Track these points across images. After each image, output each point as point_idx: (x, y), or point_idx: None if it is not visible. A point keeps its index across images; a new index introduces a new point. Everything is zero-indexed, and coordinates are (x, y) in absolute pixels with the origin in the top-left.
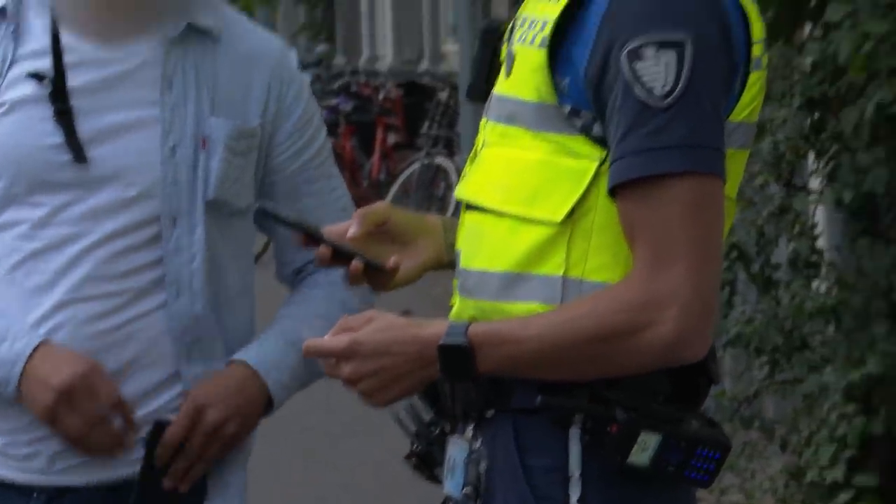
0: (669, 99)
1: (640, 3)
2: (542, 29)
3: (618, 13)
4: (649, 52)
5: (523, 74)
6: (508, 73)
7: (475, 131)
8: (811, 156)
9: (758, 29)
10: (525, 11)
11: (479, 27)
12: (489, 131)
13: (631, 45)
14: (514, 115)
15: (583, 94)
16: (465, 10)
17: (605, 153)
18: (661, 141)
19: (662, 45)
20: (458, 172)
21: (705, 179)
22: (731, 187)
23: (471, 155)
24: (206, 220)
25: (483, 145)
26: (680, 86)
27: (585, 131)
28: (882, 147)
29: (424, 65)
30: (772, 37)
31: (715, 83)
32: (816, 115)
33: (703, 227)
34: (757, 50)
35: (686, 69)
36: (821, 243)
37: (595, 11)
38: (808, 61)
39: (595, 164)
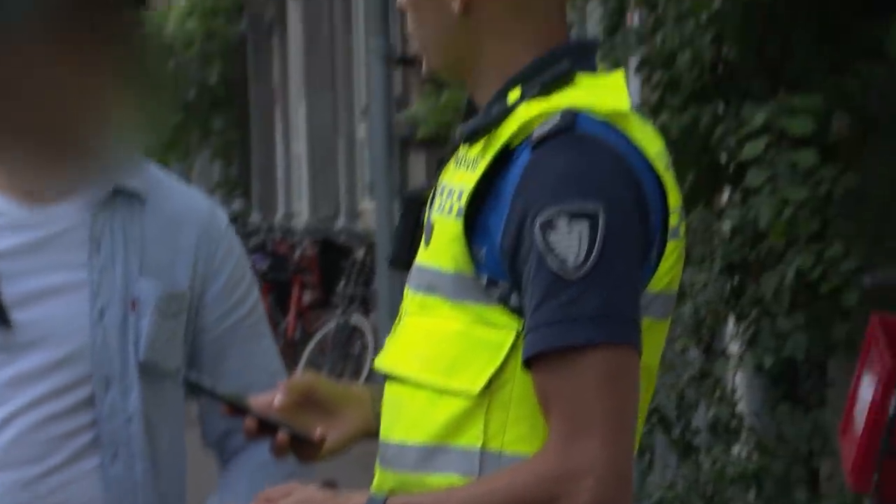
0: (582, 270)
1: (552, 174)
2: (459, 198)
3: (530, 183)
4: (562, 222)
5: (441, 244)
6: (427, 243)
7: (392, 290)
8: (731, 320)
9: (674, 198)
10: (444, 179)
11: (395, 187)
12: (409, 301)
13: (543, 216)
14: (434, 285)
15: (499, 264)
16: (382, 170)
17: (521, 324)
18: (574, 312)
19: (574, 216)
20: (374, 332)
21: (619, 350)
22: (652, 356)
23: (393, 325)
24: (140, 383)
25: (404, 314)
26: (593, 256)
27: (503, 301)
28: (802, 312)
29: (341, 223)
30: (691, 201)
31: (629, 253)
32: (737, 279)
33: (618, 398)
34: (674, 219)
35: (599, 240)
36: (741, 408)
37: (510, 181)
38: (727, 226)
39: (512, 335)
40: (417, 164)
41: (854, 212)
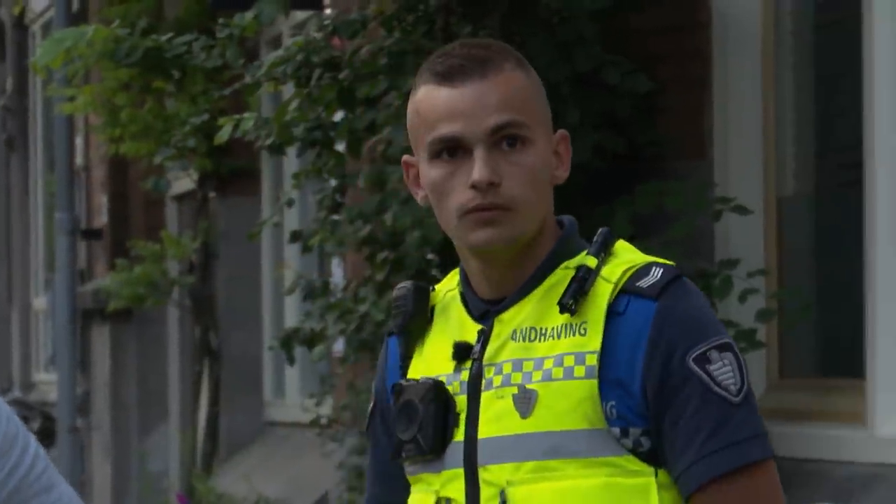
0: (741, 395)
1: (688, 316)
2: (580, 361)
3: (668, 327)
4: (714, 355)
5: (565, 407)
6: (527, 413)
7: (73, 459)
8: None
9: None
10: (503, 356)
11: (77, 359)
12: (514, 471)
13: (695, 352)
14: (559, 447)
15: (634, 410)
16: (65, 342)
17: (653, 468)
18: (746, 433)
19: (721, 348)
20: None
21: (774, 463)
22: None
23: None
24: None
25: (507, 485)
26: (745, 381)
27: (634, 450)
28: None
29: (14, 393)
30: None
31: None
32: None
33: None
34: None
35: (743, 366)
36: None
37: (628, 333)
38: None
39: (652, 479)
40: (101, 338)
41: None
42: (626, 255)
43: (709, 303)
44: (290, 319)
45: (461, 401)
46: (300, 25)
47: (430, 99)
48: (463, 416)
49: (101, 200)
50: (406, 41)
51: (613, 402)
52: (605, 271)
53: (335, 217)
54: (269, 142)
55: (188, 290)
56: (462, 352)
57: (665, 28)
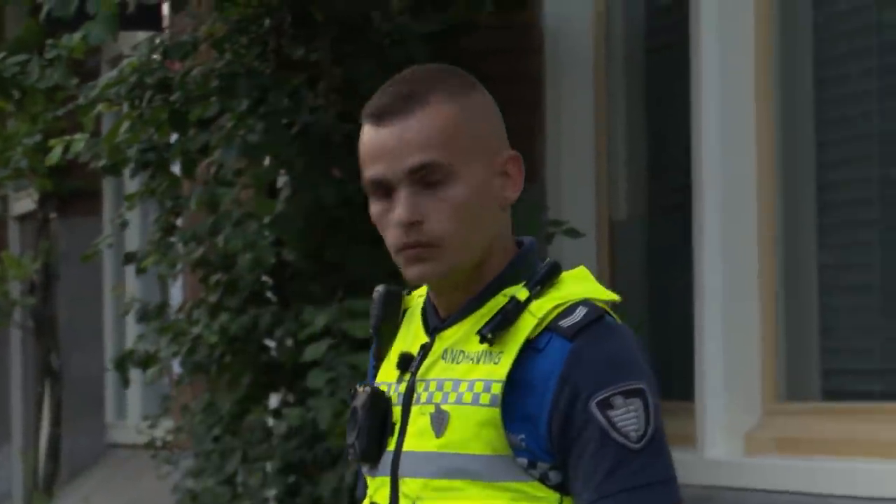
0: (644, 441)
1: (599, 360)
2: (486, 389)
3: (577, 370)
4: (618, 401)
5: (468, 431)
6: (440, 433)
7: None
8: None
9: None
10: (431, 374)
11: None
12: (417, 486)
13: (599, 397)
14: (461, 468)
15: (541, 446)
16: None
17: (559, 496)
18: (648, 478)
19: (629, 394)
20: None
21: None
22: None
23: None
24: None
25: (417, 499)
26: (651, 428)
27: (542, 479)
28: None
29: None
30: (250, 400)
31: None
32: (293, 479)
33: None
34: None
35: (652, 413)
36: None
37: (543, 369)
38: (283, 427)
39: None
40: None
41: None
42: (567, 289)
43: (634, 344)
44: (132, 341)
45: (397, 412)
46: (139, 46)
47: (363, 138)
48: (397, 427)
49: None
50: (237, 63)
51: (524, 436)
52: (534, 305)
53: (171, 239)
54: (102, 163)
55: (30, 310)
56: (404, 363)
57: (496, 50)
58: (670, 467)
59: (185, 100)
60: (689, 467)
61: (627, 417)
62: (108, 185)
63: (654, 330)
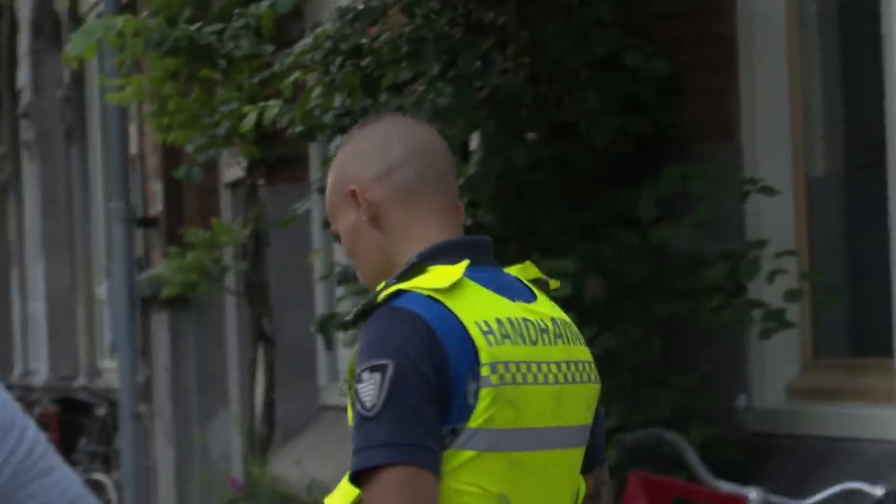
0: (374, 410)
1: (365, 339)
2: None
3: (358, 349)
4: (365, 375)
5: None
6: None
7: (134, 447)
8: None
9: (486, 355)
10: None
11: (137, 346)
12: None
13: (357, 372)
14: None
15: None
16: (124, 329)
17: None
18: (368, 442)
19: (372, 370)
20: (117, 488)
21: (401, 469)
22: (493, 483)
23: None
24: None
25: None
26: (381, 399)
27: None
28: None
29: (80, 381)
30: None
31: (414, 396)
32: None
33: None
34: (485, 370)
35: (386, 386)
36: None
37: None
38: None
39: None
40: (160, 324)
41: (610, 372)
42: (412, 282)
43: (400, 326)
44: (342, 304)
45: None
46: (332, 12)
47: None
48: None
49: (156, 188)
50: (426, 28)
51: None
52: (381, 295)
53: None
54: (298, 129)
55: (242, 276)
56: None
57: (686, 12)
58: (393, 434)
59: (375, 65)
60: (889, 424)
61: (367, 389)
62: (314, 151)
63: (852, 285)
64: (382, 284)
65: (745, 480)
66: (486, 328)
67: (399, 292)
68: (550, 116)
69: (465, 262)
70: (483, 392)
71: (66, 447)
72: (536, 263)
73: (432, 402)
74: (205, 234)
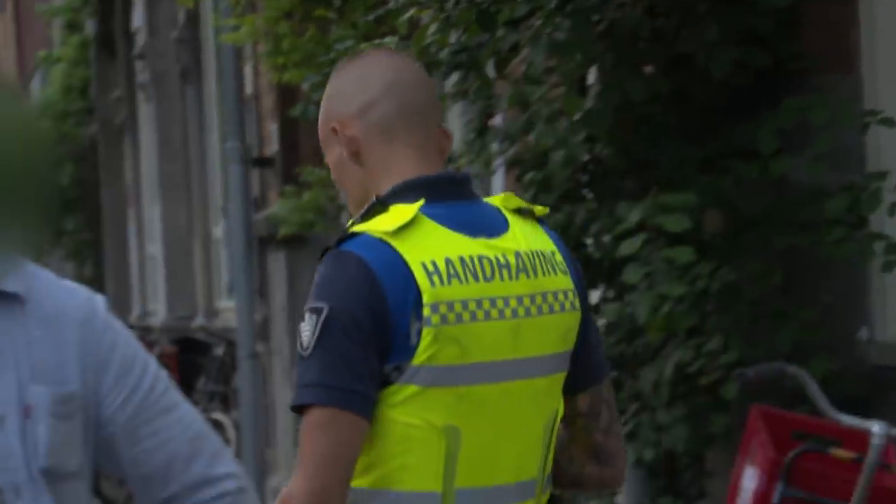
0: (308, 350)
1: (313, 284)
2: None
3: None
4: (306, 315)
5: None
6: None
7: (253, 386)
8: None
9: (428, 296)
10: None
11: (254, 285)
12: None
13: (303, 311)
14: None
15: None
16: (242, 269)
17: None
18: (301, 381)
19: (311, 311)
20: (236, 427)
21: (326, 410)
22: (439, 416)
23: None
24: (47, 488)
25: None
26: (314, 340)
27: None
28: (681, 405)
29: (198, 321)
30: None
31: (347, 339)
32: (614, 374)
33: (320, 445)
34: (426, 311)
35: (319, 328)
36: (621, 501)
37: None
38: (602, 322)
39: None
40: (277, 263)
41: (730, 306)
42: (370, 224)
43: (343, 270)
44: None
45: None
46: None
47: None
48: None
49: (271, 128)
50: None
51: None
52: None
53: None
54: None
55: None
56: None
57: None
58: (320, 376)
59: (491, 0)
60: None
61: (305, 329)
62: None
63: None
64: (351, 222)
65: (867, 414)
66: (431, 269)
67: (353, 234)
68: (668, 49)
69: (420, 202)
70: (425, 331)
71: (185, 387)
72: (655, 197)
73: (366, 346)
74: (321, 173)
